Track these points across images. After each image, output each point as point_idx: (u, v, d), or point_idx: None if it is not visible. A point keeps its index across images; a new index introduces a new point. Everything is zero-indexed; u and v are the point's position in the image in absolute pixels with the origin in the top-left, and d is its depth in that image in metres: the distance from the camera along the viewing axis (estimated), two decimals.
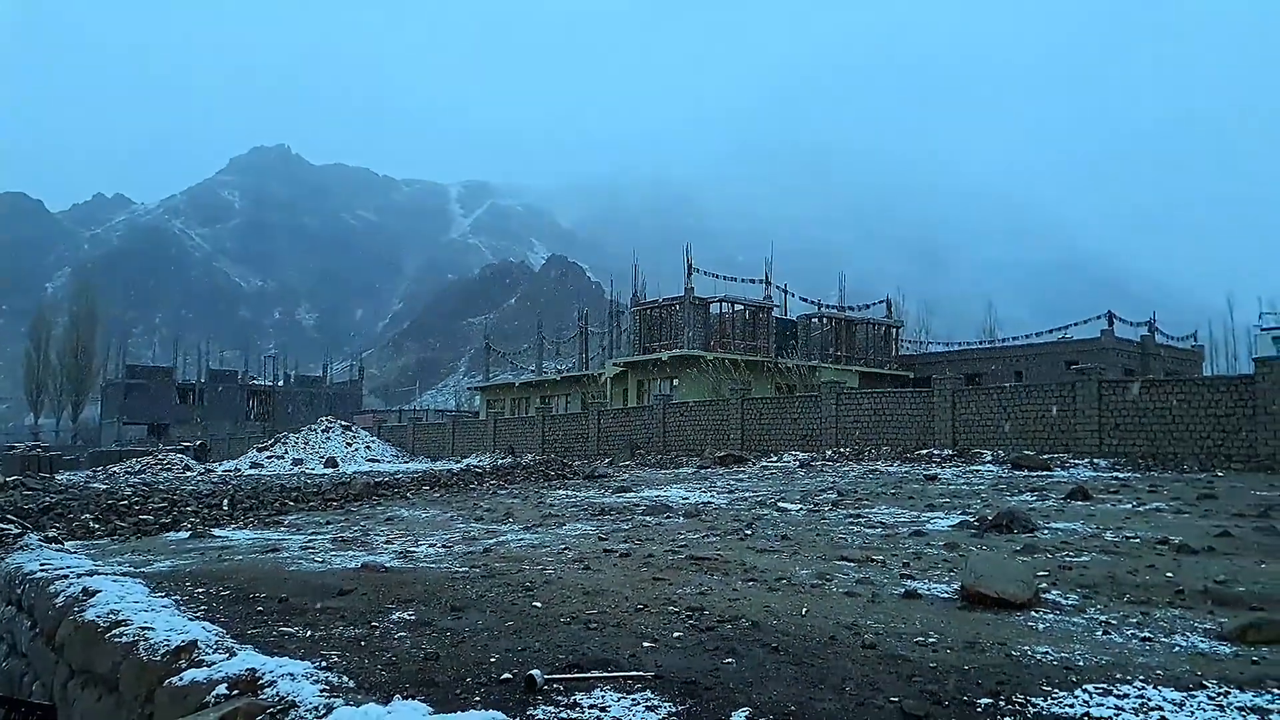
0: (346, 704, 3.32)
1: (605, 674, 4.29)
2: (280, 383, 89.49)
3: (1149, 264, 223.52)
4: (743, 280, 44.66)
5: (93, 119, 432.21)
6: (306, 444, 43.24)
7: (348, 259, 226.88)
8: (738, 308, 43.14)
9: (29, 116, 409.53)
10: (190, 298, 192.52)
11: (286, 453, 41.73)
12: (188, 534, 11.44)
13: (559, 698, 4.00)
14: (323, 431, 45.10)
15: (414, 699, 3.57)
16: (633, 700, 3.94)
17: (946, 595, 6.34)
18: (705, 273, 42.84)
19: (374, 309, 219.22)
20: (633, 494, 16.67)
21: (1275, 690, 4.04)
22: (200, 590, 6.68)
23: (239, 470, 36.35)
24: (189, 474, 34.27)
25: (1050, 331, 45.77)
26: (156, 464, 37.88)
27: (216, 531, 11.71)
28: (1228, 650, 4.80)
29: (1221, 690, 4.05)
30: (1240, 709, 3.81)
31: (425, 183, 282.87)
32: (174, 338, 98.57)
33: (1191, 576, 6.90)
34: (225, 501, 16.80)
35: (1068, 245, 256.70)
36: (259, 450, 43.57)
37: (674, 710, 3.81)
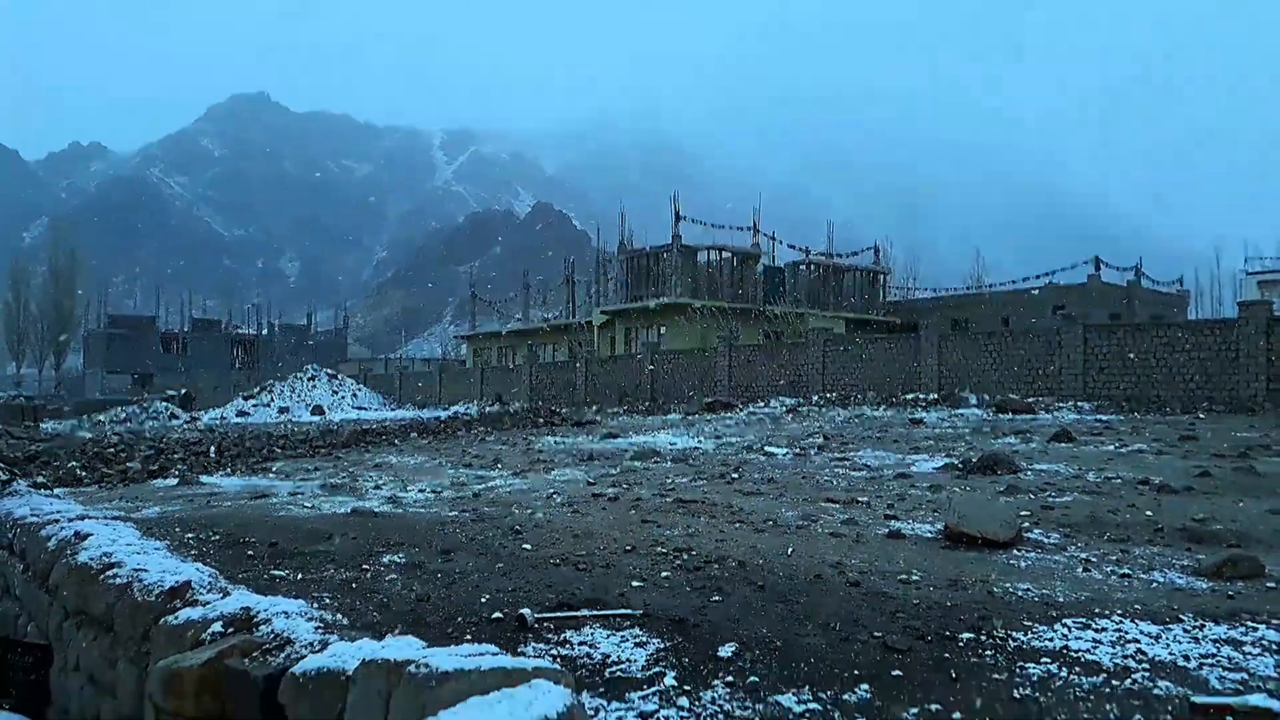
0: (341, 639, 3.34)
1: (595, 612, 4.35)
2: (265, 332, 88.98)
3: (1136, 212, 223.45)
4: (730, 228, 44.42)
5: (67, 67, 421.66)
6: (293, 392, 43.19)
7: (330, 208, 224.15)
8: (725, 255, 42.95)
9: (1, 65, 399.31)
10: (171, 247, 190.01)
11: (273, 401, 41.69)
12: (175, 481, 11.45)
13: (549, 635, 4.06)
14: (309, 380, 45.01)
15: (407, 637, 3.61)
16: (622, 637, 4.00)
17: (930, 535, 6.44)
18: (692, 220, 42.58)
19: (357, 258, 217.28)
20: (621, 440, 16.75)
21: (1249, 623, 4.14)
22: (190, 535, 6.70)
23: (225, 419, 36.31)
24: (175, 422, 34.20)
25: (1037, 277, 45.84)
26: (142, 413, 37.77)
27: (204, 478, 11.72)
28: (1204, 586, 4.90)
29: (1197, 624, 4.15)
30: (1215, 640, 3.90)
31: (407, 129, 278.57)
32: (155, 287, 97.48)
33: (1171, 515, 7.02)
34: (212, 449, 16.79)
35: (1054, 193, 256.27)
36: (245, 399, 43.48)
37: (663, 646, 3.88)
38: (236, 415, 38.21)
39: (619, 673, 3.58)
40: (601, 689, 3.39)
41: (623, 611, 4.35)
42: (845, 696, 3.28)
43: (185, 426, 29.85)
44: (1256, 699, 3.17)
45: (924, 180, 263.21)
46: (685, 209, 41.58)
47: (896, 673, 3.51)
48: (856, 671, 3.52)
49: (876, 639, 3.93)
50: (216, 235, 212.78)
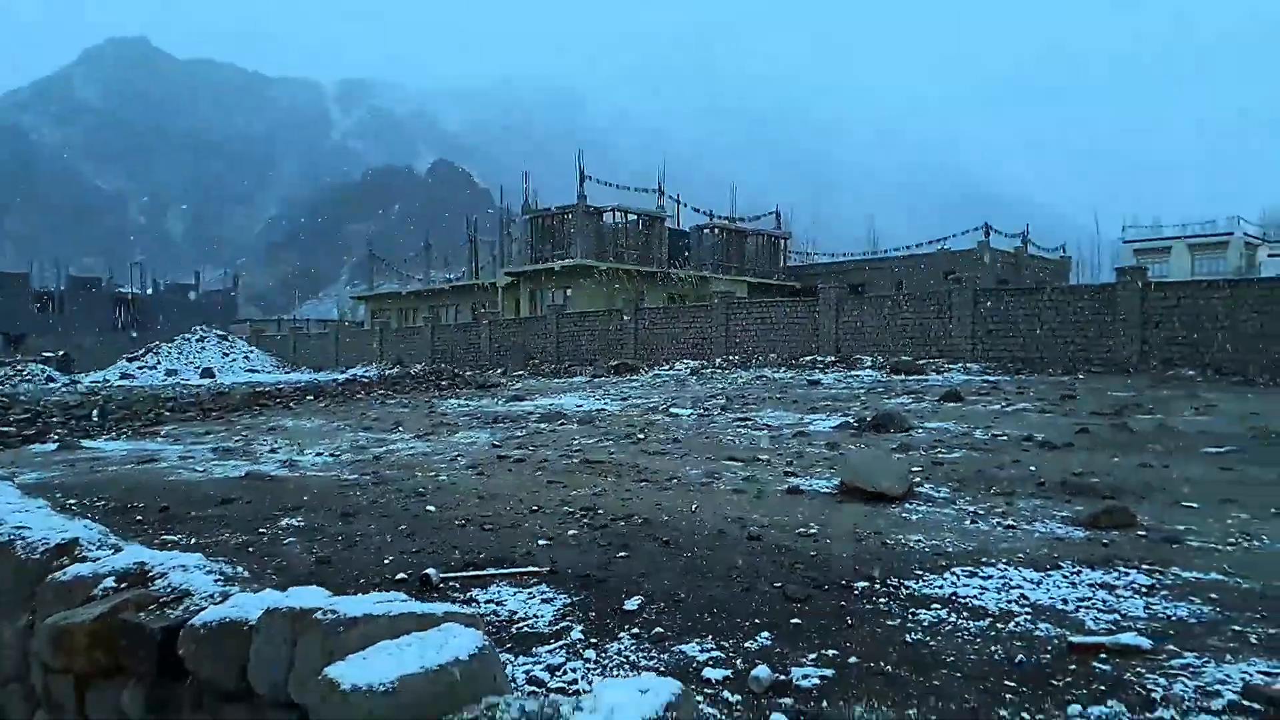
0: (243, 592, 3.25)
1: (501, 571, 4.35)
2: (149, 291, 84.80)
3: (1025, 186, 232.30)
4: (635, 190, 44.23)
5: None
6: (180, 354, 41.41)
7: (218, 162, 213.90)
8: (631, 217, 42.89)
9: None
10: (45, 201, 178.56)
11: (159, 363, 39.90)
12: (55, 446, 10.88)
13: (455, 595, 4.04)
14: (197, 341, 43.23)
15: (311, 587, 3.53)
16: (529, 594, 4.01)
17: (827, 491, 6.63)
18: (598, 181, 42.24)
19: (248, 215, 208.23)
20: (526, 402, 16.67)
21: (1122, 569, 4.42)
22: (73, 502, 6.39)
23: (108, 382, 34.58)
24: (52, 385, 32.40)
25: (930, 243, 47.27)
26: (15, 375, 35.65)
27: (86, 443, 11.17)
28: (1082, 535, 5.19)
29: (1075, 570, 4.40)
30: (1091, 585, 4.15)
31: (300, 80, 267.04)
32: (28, 243, 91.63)
33: (1052, 470, 7.40)
34: (95, 412, 16.00)
35: (949, 165, 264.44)
36: (129, 360, 41.48)
37: (570, 601, 3.91)
38: (120, 378, 36.43)
39: (526, 628, 3.59)
40: (509, 644, 3.40)
41: (529, 569, 4.35)
42: (747, 644, 3.37)
43: (64, 390, 28.31)
44: (1127, 638, 3.39)
45: (826, 151, 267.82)
46: (591, 170, 41.25)
47: (796, 621, 3.62)
48: (758, 620, 3.62)
49: (776, 589, 4.04)
50: (95, 189, 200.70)
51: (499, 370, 30.22)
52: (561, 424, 12.43)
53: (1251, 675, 3.03)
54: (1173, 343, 20.08)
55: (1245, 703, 2.82)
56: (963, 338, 23.32)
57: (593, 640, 3.44)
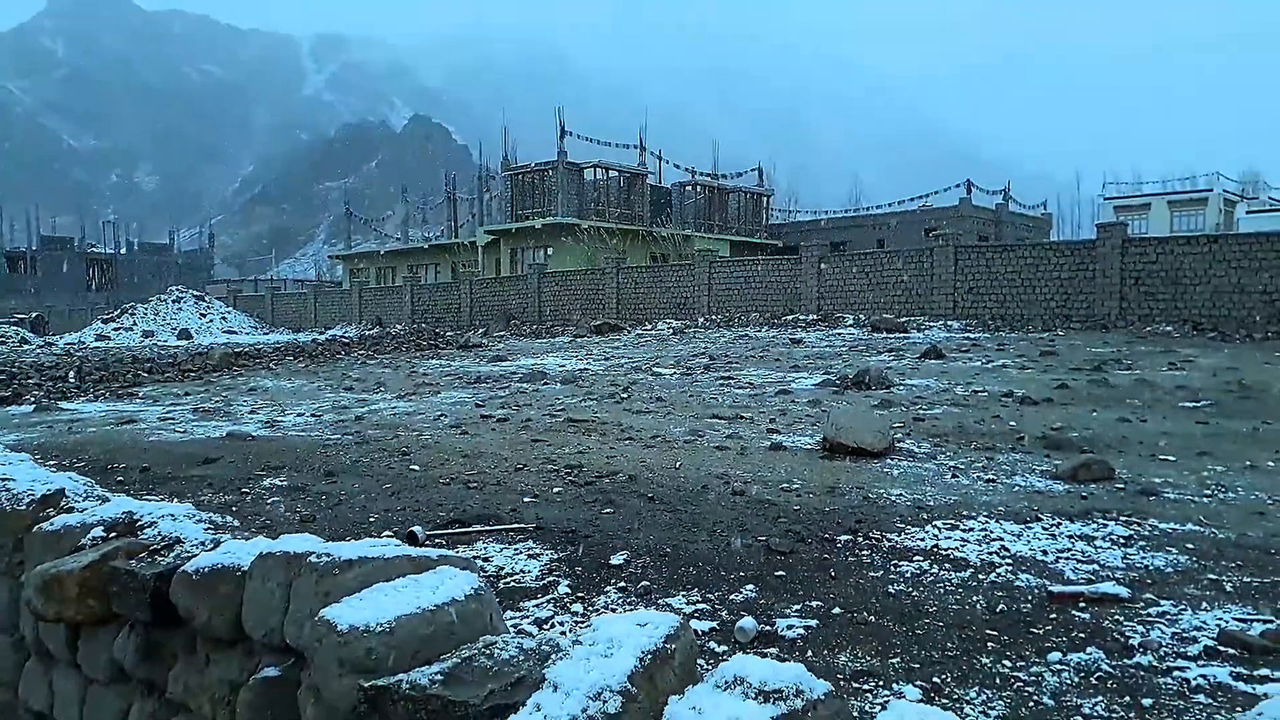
0: (234, 539, 3.24)
1: (487, 527, 4.36)
2: (123, 251, 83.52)
3: (1007, 145, 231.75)
4: (617, 145, 43.81)
5: None
6: (157, 315, 40.91)
7: (191, 117, 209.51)
8: (612, 174, 42.51)
9: None
10: (13, 158, 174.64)
11: (135, 325, 39.42)
12: (31, 407, 10.77)
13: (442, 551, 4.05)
14: (174, 302, 42.70)
15: (303, 534, 3.54)
16: (515, 550, 4.03)
17: (810, 447, 6.68)
18: (579, 136, 41.80)
19: (222, 172, 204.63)
20: (508, 363, 16.64)
21: (1100, 520, 4.49)
22: (52, 463, 6.33)
23: (83, 343, 34.19)
24: (27, 347, 32.01)
25: (912, 200, 47.27)
26: None
27: (64, 404, 11.06)
28: (1061, 488, 5.26)
29: (1054, 522, 4.46)
30: (1070, 536, 4.22)
31: (273, 33, 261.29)
32: None
33: (1032, 425, 7.48)
34: (71, 373, 15.83)
35: (931, 122, 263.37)
36: (104, 322, 40.96)
37: (556, 557, 3.93)
38: (96, 339, 36.00)
39: (514, 584, 3.61)
40: (497, 599, 3.41)
41: (516, 525, 4.37)
42: (732, 596, 3.40)
43: (39, 351, 27.97)
44: (1106, 587, 3.46)
45: (807, 111, 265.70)
46: (571, 125, 40.80)
47: (780, 573, 3.66)
48: (742, 573, 3.66)
49: (760, 542, 4.08)
50: (65, 145, 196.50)
51: (480, 330, 30.09)
52: (545, 384, 12.42)
53: (1227, 622, 3.10)
54: (1151, 298, 20.23)
55: (1221, 648, 2.88)
56: (944, 295, 23.39)
57: (580, 594, 3.47)
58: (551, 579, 3.64)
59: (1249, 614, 3.19)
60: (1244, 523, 4.44)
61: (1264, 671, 2.72)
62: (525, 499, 5.04)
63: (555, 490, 5.27)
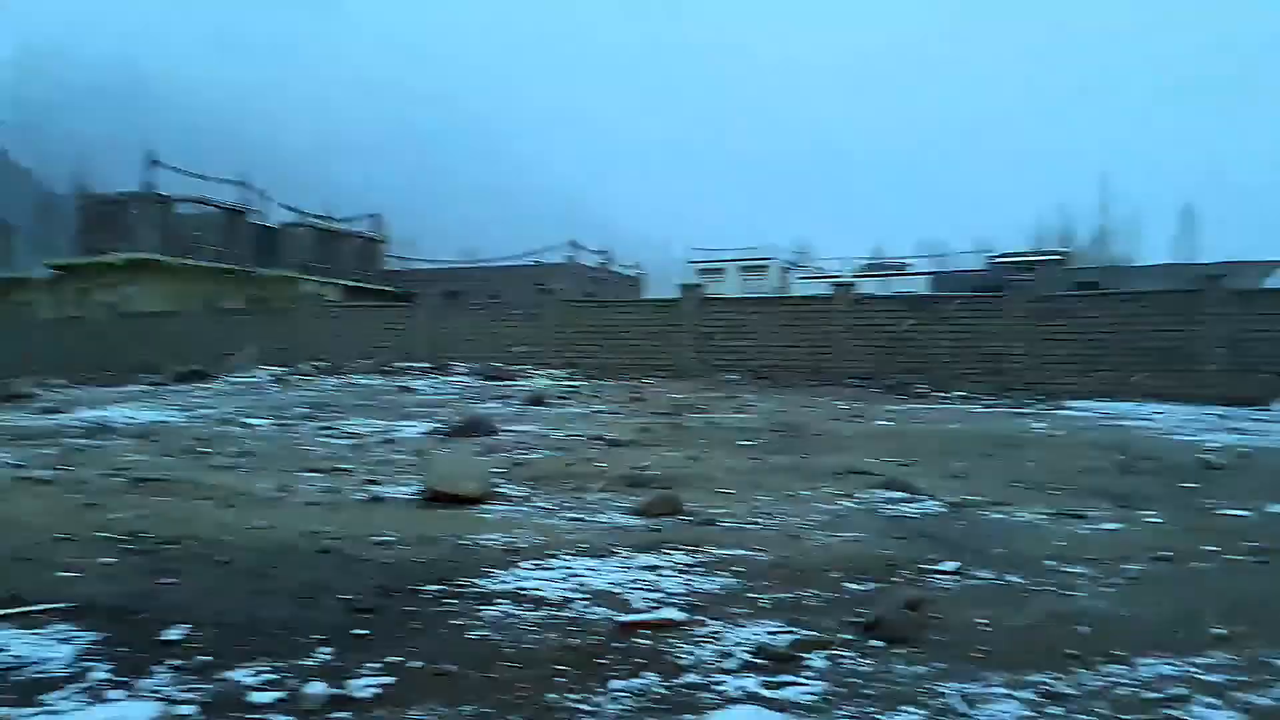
0: None
1: (6, 611, 3.69)
2: None
3: (612, 208, 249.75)
4: (219, 180, 40.26)
5: None
6: None
7: None
8: (210, 210, 38.96)
9: None
10: None
11: None
12: None
13: None
14: None
15: None
16: (41, 635, 3.45)
17: (409, 496, 6.58)
18: (173, 168, 37.75)
19: None
20: (65, 415, 14.38)
21: (666, 550, 4.92)
22: None
23: None
24: None
25: (524, 255, 49.05)
26: None
27: None
28: (639, 523, 5.70)
29: (629, 555, 4.81)
30: (640, 568, 4.57)
31: None
32: None
33: (618, 465, 8.04)
34: None
35: (547, 185, 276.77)
36: None
37: (96, 639, 3.43)
38: None
39: (34, 674, 3.09)
40: (14, 695, 2.89)
41: (42, 607, 3.75)
42: (304, 661, 3.21)
43: None
44: (667, 612, 3.79)
45: (435, 161, 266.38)
46: (167, 157, 36.89)
47: (360, 631, 3.53)
48: (318, 635, 3.47)
49: (343, 601, 3.91)
50: None
51: (37, 378, 25.78)
52: (109, 439, 10.91)
53: (761, 635, 3.53)
54: (723, 349, 22.88)
55: (757, 660, 3.28)
56: (551, 346, 24.49)
57: (122, 679, 3.05)
58: (86, 664, 3.16)
59: (780, 627, 3.67)
60: (782, 545, 5.13)
61: (788, 678, 3.13)
62: (68, 574, 4.36)
63: (106, 561, 4.63)
